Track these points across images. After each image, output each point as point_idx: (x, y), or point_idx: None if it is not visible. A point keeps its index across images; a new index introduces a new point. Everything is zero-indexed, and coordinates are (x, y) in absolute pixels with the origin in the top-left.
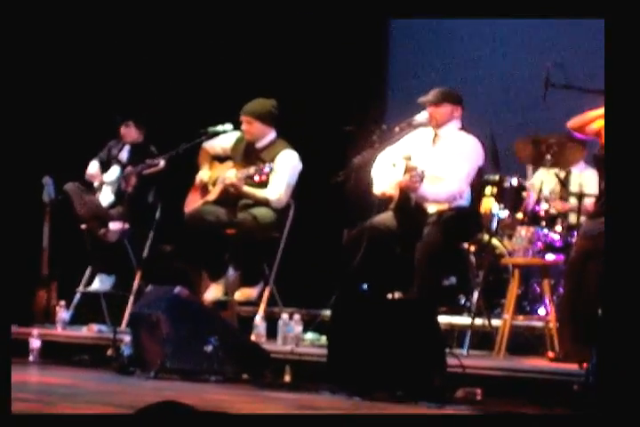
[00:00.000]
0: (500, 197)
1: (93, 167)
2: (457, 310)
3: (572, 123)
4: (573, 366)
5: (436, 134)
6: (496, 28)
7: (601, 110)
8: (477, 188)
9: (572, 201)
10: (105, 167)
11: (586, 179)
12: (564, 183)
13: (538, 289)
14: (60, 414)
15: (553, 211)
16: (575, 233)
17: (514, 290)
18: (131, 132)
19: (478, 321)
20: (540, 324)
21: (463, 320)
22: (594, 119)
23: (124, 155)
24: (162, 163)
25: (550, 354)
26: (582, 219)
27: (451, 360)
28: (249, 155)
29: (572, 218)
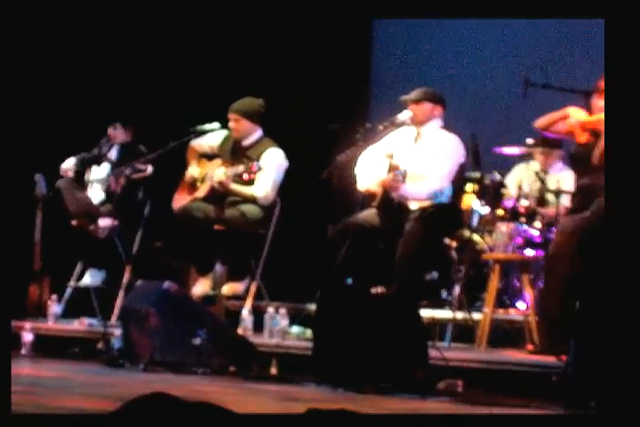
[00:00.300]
0: (480, 194)
1: (68, 162)
2: (439, 303)
3: (539, 123)
4: (552, 359)
5: (418, 133)
6: (479, 28)
7: (565, 110)
8: (458, 185)
9: (551, 198)
10: (95, 164)
11: (563, 179)
12: (543, 181)
13: (517, 283)
14: (51, 412)
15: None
16: (554, 229)
17: (494, 284)
18: (118, 134)
19: (459, 315)
20: (519, 317)
21: (445, 314)
22: (558, 119)
23: (113, 154)
24: (149, 169)
25: (529, 347)
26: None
27: (433, 353)
28: (236, 152)
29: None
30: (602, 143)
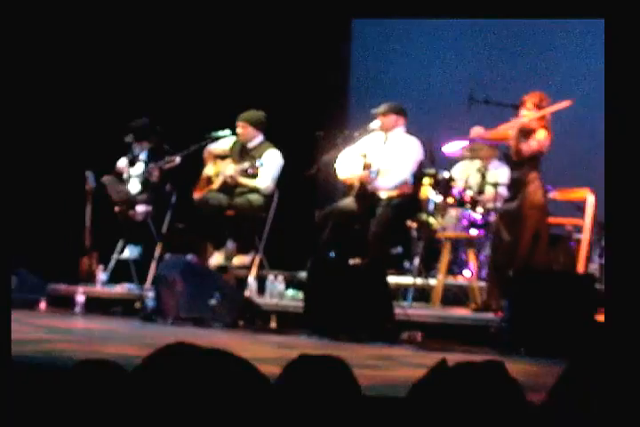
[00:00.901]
0: (435, 186)
1: (122, 162)
2: (402, 272)
3: (476, 135)
4: (490, 315)
5: (385, 137)
6: (441, 49)
7: (495, 132)
8: (418, 178)
9: (490, 189)
10: (131, 164)
11: (500, 174)
12: (484, 176)
13: (464, 256)
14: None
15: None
16: (492, 213)
17: (445, 257)
18: (141, 143)
19: (418, 281)
20: (465, 283)
21: (407, 280)
22: (496, 137)
23: (143, 156)
24: (178, 159)
25: (473, 305)
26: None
27: (397, 310)
28: (242, 153)
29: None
30: (514, 143)
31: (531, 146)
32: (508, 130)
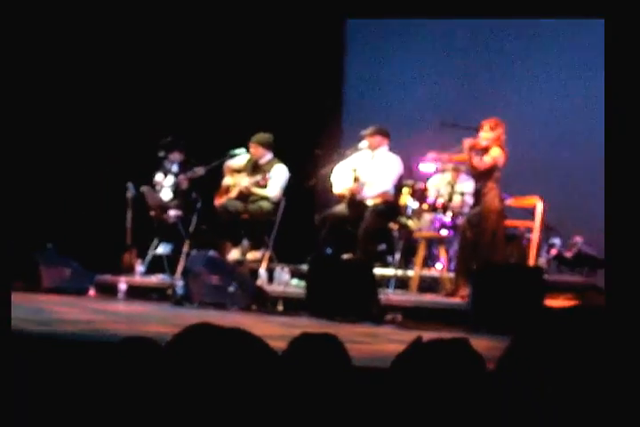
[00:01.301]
0: (412, 195)
1: (159, 177)
2: (385, 265)
3: (433, 159)
4: (458, 300)
5: (372, 155)
6: (415, 76)
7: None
8: (398, 188)
9: (457, 197)
10: (164, 175)
11: (466, 185)
12: (452, 187)
13: (436, 252)
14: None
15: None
16: (459, 217)
17: (421, 252)
18: (176, 156)
19: (399, 272)
20: (437, 274)
21: (389, 272)
22: (455, 159)
23: (174, 169)
24: (202, 171)
25: (443, 292)
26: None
27: (382, 296)
28: (255, 168)
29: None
30: (468, 161)
31: (484, 162)
32: (463, 152)
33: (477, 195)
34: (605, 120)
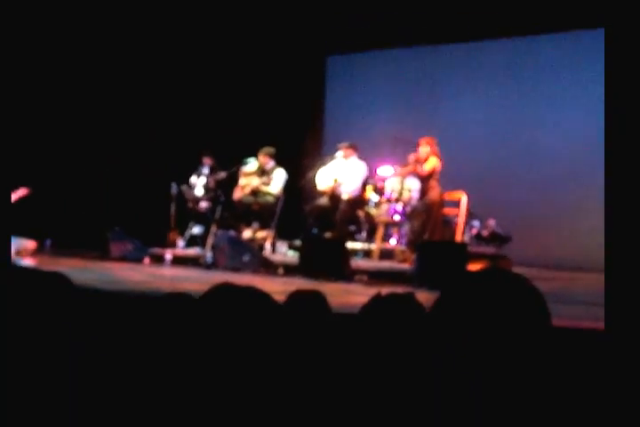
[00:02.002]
0: (374, 191)
1: (194, 179)
2: (355, 240)
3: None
4: (407, 264)
5: (346, 162)
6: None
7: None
8: (364, 186)
9: (406, 193)
10: (198, 177)
11: (412, 184)
12: (402, 185)
13: (391, 231)
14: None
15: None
16: (408, 207)
17: (380, 232)
18: (207, 161)
19: (365, 246)
20: (391, 247)
21: (358, 245)
22: (407, 172)
23: (205, 172)
24: (224, 174)
25: (396, 260)
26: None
27: (352, 262)
28: (262, 172)
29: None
30: (415, 170)
31: (424, 169)
32: (409, 166)
33: (423, 191)
34: (605, 125)
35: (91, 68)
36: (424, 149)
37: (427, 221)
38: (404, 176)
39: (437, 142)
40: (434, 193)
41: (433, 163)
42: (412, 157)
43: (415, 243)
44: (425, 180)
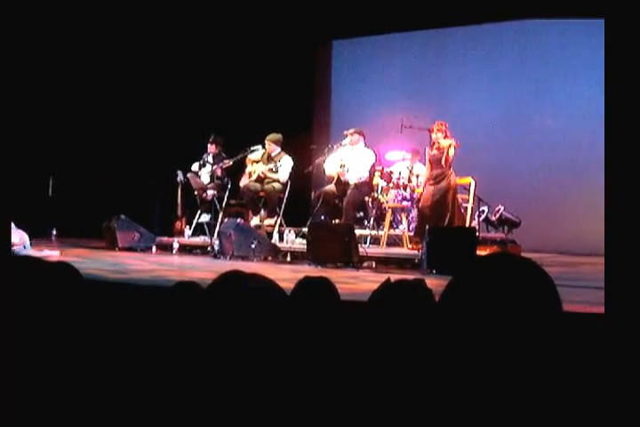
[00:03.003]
0: (382, 177)
1: (195, 166)
2: (363, 227)
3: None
4: (416, 251)
5: (352, 148)
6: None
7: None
8: (371, 172)
9: (413, 179)
10: (203, 165)
11: (420, 170)
12: (411, 171)
13: (399, 217)
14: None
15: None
16: (415, 193)
17: (388, 218)
18: (212, 148)
19: (373, 232)
20: (400, 233)
21: (366, 232)
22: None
23: (210, 159)
24: (231, 162)
25: (405, 246)
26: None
27: (360, 249)
28: (269, 159)
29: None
30: (444, 155)
31: (450, 155)
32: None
33: (437, 177)
34: (605, 122)
35: (97, 57)
36: (437, 134)
37: (446, 207)
38: (412, 159)
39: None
40: (453, 179)
41: (453, 147)
42: (439, 144)
43: (424, 228)
44: (444, 166)
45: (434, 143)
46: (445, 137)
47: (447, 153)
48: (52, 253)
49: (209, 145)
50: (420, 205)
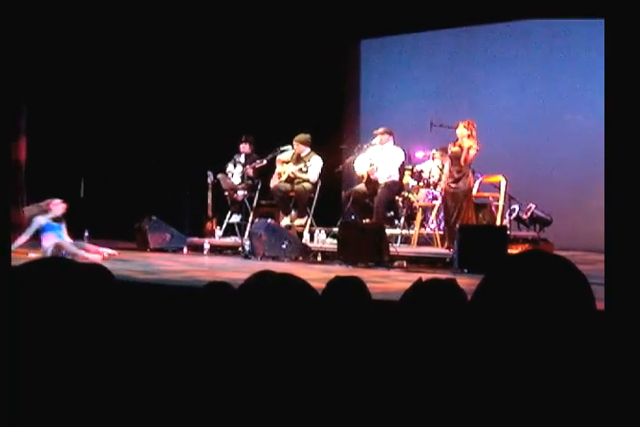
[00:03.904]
0: (412, 176)
1: (230, 167)
2: (393, 226)
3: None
4: (447, 250)
5: (382, 148)
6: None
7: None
8: (401, 171)
9: (444, 177)
10: (234, 166)
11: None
12: (441, 169)
13: (429, 216)
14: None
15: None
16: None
17: (419, 217)
18: (245, 148)
19: (404, 231)
20: (431, 232)
21: (396, 231)
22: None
23: (242, 160)
24: (264, 162)
25: (439, 245)
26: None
27: (391, 249)
28: (298, 159)
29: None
30: (463, 153)
31: (470, 155)
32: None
33: (455, 176)
34: (605, 119)
35: (128, 58)
36: (462, 132)
37: (463, 206)
38: (442, 158)
39: (476, 126)
40: (470, 179)
41: (474, 149)
42: (461, 142)
43: (454, 227)
44: (462, 164)
45: (457, 139)
46: (469, 137)
47: (467, 153)
48: (105, 251)
49: (242, 145)
50: (442, 202)
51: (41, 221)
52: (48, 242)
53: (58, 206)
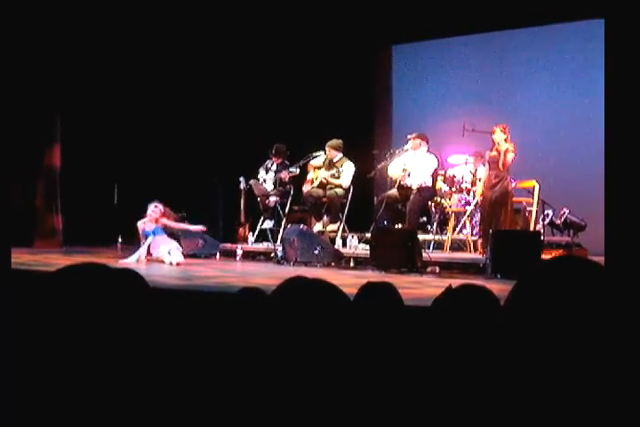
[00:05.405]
0: (444, 181)
1: (262, 173)
2: (426, 232)
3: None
4: (480, 255)
5: (414, 153)
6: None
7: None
8: (435, 177)
9: (478, 183)
10: (266, 172)
11: (483, 172)
12: (474, 174)
13: (462, 221)
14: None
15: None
16: (479, 197)
17: (452, 222)
18: (276, 160)
19: (436, 237)
20: (463, 237)
21: (429, 237)
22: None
23: (274, 168)
24: (297, 171)
25: (472, 251)
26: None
27: (424, 254)
28: (330, 165)
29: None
30: (501, 158)
31: (508, 159)
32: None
33: (495, 181)
34: (606, 119)
35: (162, 65)
36: (498, 137)
37: (502, 211)
38: (475, 163)
39: (510, 130)
40: (508, 183)
41: (512, 153)
42: (499, 146)
43: (487, 233)
44: (501, 169)
45: (494, 144)
46: (506, 140)
47: (505, 156)
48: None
49: (273, 158)
50: (480, 208)
51: (146, 227)
52: (156, 246)
53: (153, 210)
